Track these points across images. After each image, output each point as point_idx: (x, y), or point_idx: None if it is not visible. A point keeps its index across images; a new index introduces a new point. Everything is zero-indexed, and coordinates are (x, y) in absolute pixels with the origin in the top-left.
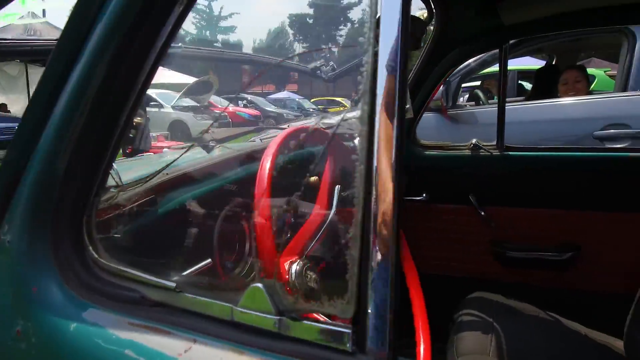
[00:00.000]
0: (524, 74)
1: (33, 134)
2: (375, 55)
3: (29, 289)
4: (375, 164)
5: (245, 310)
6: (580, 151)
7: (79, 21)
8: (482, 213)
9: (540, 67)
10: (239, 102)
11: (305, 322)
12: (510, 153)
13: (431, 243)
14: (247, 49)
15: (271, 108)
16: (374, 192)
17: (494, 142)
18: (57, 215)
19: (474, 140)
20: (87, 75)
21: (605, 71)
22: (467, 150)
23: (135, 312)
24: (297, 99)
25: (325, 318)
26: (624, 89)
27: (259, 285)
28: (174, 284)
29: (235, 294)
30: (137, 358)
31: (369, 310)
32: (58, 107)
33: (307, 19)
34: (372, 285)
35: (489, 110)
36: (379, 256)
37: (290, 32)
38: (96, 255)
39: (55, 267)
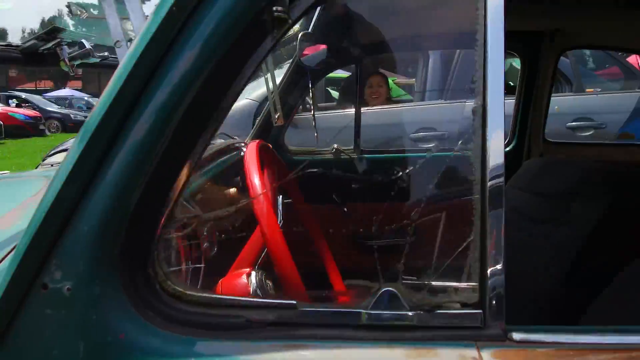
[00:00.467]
0: (329, 81)
1: (98, 166)
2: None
3: (113, 336)
4: (488, 179)
5: (379, 312)
6: (414, 152)
7: (160, 43)
8: (345, 210)
9: (347, 75)
10: (9, 101)
11: (438, 311)
12: (365, 155)
13: (304, 241)
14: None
15: (54, 108)
16: (487, 200)
17: (352, 146)
18: (126, 253)
19: (335, 145)
20: (174, 102)
21: (392, 80)
22: (330, 154)
23: (255, 335)
24: (85, 98)
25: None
26: (422, 99)
27: (391, 288)
28: (294, 301)
29: (356, 300)
30: None
31: (488, 294)
32: (134, 136)
33: (92, 10)
34: (490, 274)
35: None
36: (494, 253)
37: (71, 22)
38: (180, 289)
39: (132, 308)
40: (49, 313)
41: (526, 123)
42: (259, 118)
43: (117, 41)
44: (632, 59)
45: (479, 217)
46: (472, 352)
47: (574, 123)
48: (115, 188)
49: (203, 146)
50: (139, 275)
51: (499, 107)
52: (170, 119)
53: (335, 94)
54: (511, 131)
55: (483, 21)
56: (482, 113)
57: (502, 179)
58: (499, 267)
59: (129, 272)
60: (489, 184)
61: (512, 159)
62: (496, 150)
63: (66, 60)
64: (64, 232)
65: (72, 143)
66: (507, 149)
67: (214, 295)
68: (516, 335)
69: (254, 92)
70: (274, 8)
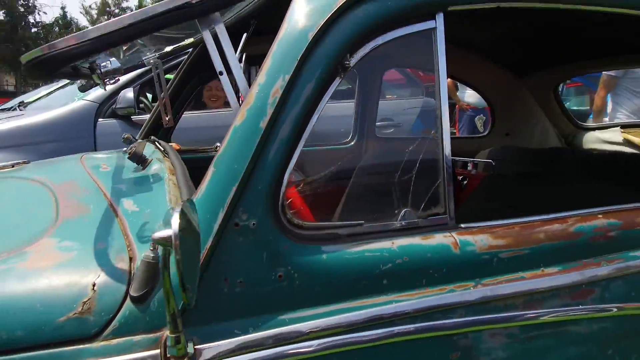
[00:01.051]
0: None
1: (263, 152)
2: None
3: (282, 248)
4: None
5: (403, 221)
6: None
7: (292, 80)
8: None
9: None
10: None
11: (429, 218)
12: None
13: None
14: None
15: None
16: (445, 162)
17: None
18: (274, 202)
19: (217, 144)
20: (299, 116)
21: None
22: (214, 151)
23: (342, 241)
24: None
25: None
26: None
27: (408, 209)
28: (362, 222)
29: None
30: (372, 254)
31: (447, 208)
32: (281, 135)
33: None
34: (447, 199)
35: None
36: (448, 191)
37: None
38: (299, 222)
39: (283, 232)
40: (241, 240)
41: (364, 124)
42: (147, 119)
43: (220, 71)
44: None
45: (442, 172)
46: (448, 234)
47: (379, 123)
48: (271, 165)
49: (303, 143)
50: (279, 215)
51: (446, 111)
52: (297, 125)
53: None
54: (352, 131)
55: (437, 61)
56: (440, 115)
57: (449, 151)
58: (451, 196)
59: (276, 214)
60: (445, 155)
61: (355, 153)
62: (446, 134)
63: (101, 74)
64: (246, 190)
65: (244, 140)
66: (350, 144)
67: (318, 223)
68: (462, 225)
69: (92, 93)
70: (344, 61)
